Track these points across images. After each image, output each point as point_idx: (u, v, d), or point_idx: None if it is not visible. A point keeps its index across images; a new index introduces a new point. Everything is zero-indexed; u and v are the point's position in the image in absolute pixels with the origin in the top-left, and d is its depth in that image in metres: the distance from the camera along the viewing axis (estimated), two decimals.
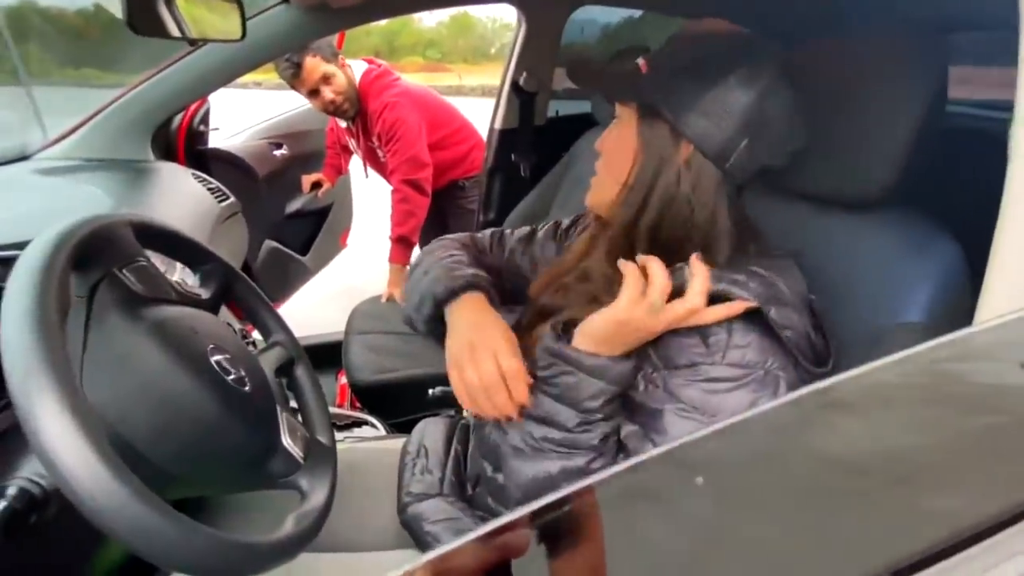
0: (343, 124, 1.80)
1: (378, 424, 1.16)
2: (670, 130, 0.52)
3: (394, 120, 1.61)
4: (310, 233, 2.09)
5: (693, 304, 0.47)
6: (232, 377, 0.52)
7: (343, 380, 1.53)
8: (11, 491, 0.43)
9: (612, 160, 0.57)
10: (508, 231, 0.78)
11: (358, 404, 1.35)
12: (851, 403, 0.35)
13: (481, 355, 0.53)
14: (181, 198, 1.16)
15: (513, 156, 1.56)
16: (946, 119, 0.57)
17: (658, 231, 0.54)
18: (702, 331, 0.49)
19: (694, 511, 0.30)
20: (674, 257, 0.53)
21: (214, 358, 0.52)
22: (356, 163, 2.03)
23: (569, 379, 0.51)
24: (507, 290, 0.71)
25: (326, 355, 1.63)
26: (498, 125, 1.53)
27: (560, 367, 0.51)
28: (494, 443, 0.64)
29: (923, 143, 0.55)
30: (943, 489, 0.34)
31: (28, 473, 0.44)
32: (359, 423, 1.21)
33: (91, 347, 0.45)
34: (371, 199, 2.50)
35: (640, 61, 0.54)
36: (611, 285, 0.62)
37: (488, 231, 0.79)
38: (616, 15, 1.70)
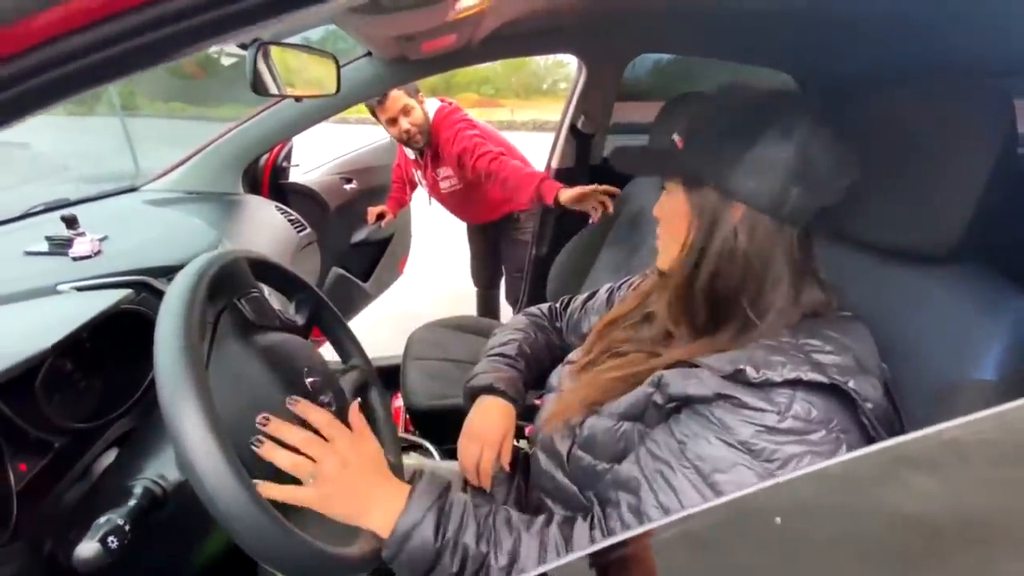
0: (411, 156, 1.93)
1: (432, 449, 1.21)
2: (719, 194, 0.54)
3: (466, 137, 1.74)
4: (372, 261, 2.21)
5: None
6: (322, 398, 0.58)
7: (397, 403, 1.59)
8: (138, 490, 0.49)
9: (670, 225, 0.60)
10: (576, 297, 0.97)
11: (411, 428, 1.40)
12: (924, 460, 0.35)
13: (473, 442, 0.74)
14: (267, 228, 1.28)
15: None
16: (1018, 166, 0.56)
17: (716, 283, 0.56)
18: (766, 393, 0.48)
19: (757, 562, 0.32)
20: (732, 306, 0.56)
21: (308, 380, 0.58)
22: (417, 197, 2.16)
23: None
24: (566, 345, 0.92)
25: (380, 377, 1.70)
26: (555, 164, 1.59)
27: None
28: (548, 472, 0.67)
29: (994, 194, 0.54)
30: (1022, 553, 0.34)
31: (151, 475, 0.51)
32: (414, 447, 1.26)
33: (212, 365, 0.52)
34: (427, 232, 2.62)
35: (675, 138, 0.57)
36: (667, 332, 0.66)
37: (561, 300, 1.00)
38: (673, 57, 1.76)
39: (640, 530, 0.29)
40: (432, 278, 3.27)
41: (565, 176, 1.60)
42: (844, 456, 0.32)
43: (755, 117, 0.53)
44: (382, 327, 2.58)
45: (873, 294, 0.62)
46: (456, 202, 1.95)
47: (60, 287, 0.69)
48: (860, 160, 0.54)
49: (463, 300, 2.56)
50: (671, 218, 0.60)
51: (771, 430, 0.47)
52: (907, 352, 0.57)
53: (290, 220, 1.44)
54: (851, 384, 0.47)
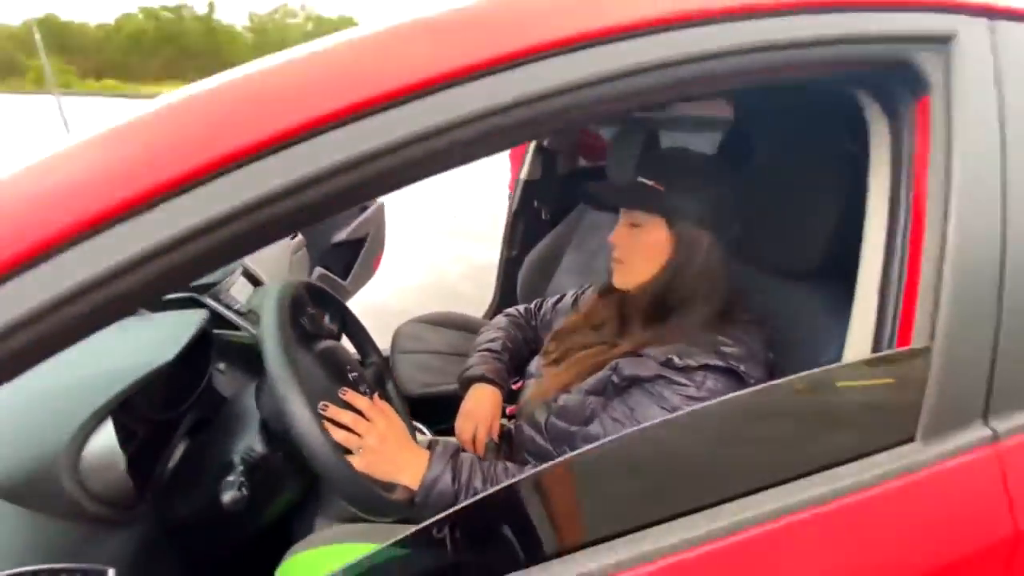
0: None
1: (425, 431, 1.39)
2: (693, 226, 0.74)
3: None
4: (349, 260, 2.34)
5: None
6: (361, 388, 0.76)
7: None
8: (237, 460, 0.66)
9: (645, 251, 0.76)
10: (547, 300, 1.14)
11: None
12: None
13: (468, 421, 0.90)
14: None
15: (535, 203, 1.82)
16: None
17: (683, 296, 0.76)
18: (688, 375, 0.70)
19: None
20: (680, 311, 0.76)
21: (351, 375, 0.76)
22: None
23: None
24: (540, 340, 1.07)
25: None
26: (523, 177, 1.79)
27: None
28: (530, 437, 0.87)
29: (846, 223, 0.71)
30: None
31: (242, 450, 0.68)
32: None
33: None
34: (397, 230, 2.77)
35: (648, 182, 0.75)
36: (618, 330, 0.86)
37: (535, 302, 1.16)
38: None
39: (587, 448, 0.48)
40: (403, 275, 3.42)
41: (535, 187, 1.80)
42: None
43: (714, 168, 0.76)
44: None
45: (766, 302, 0.84)
46: None
47: None
48: (757, 197, 0.76)
49: (430, 292, 2.73)
50: (646, 245, 0.76)
51: (691, 399, 0.68)
52: (788, 345, 0.80)
53: None
54: (742, 368, 0.69)
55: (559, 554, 0.43)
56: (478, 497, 0.46)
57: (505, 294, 1.97)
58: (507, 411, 1.07)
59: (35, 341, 0.32)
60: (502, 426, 1.02)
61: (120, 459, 0.58)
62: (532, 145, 1.74)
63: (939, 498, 0.48)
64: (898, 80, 0.50)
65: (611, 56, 0.41)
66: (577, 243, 1.69)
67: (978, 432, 0.49)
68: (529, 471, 0.75)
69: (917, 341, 0.47)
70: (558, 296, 1.17)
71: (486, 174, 2.20)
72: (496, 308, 1.96)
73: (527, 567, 0.42)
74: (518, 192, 1.81)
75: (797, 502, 0.44)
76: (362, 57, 0.41)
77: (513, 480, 0.46)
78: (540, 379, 0.92)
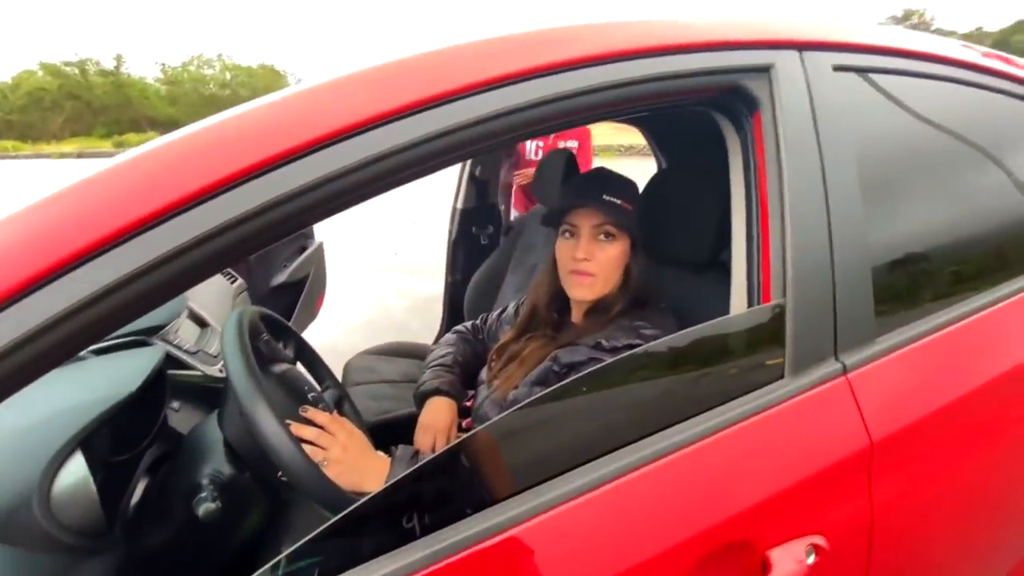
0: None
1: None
2: (635, 235, 0.89)
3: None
4: (291, 302, 2.33)
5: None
6: (321, 406, 0.81)
7: None
8: (205, 481, 0.69)
9: (614, 261, 0.88)
10: (491, 313, 1.24)
11: None
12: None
13: (427, 432, 0.97)
14: (210, 283, 1.42)
15: (473, 229, 1.92)
16: None
17: (616, 295, 0.89)
18: (614, 354, 0.82)
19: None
20: (610, 306, 0.89)
21: (310, 395, 0.81)
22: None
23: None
24: (488, 348, 1.16)
25: None
26: (460, 205, 1.89)
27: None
28: None
29: (725, 225, 0.90)
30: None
31: (209, 472, 0.71)
32: None
33: None
34: (338, 271, 2.78)
35: (617, 201, 0.87)
36: (554, 325, 0.97)
37: (481, 317, 1.27)
38: None
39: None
40: (346, 315, 3.40)
41: (469, 215, 1.91)
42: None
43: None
44: None
45: (672, 291, 0.97)
46: None
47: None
48: (659, 205, 0.91)
49: (377, 328, 2.74)
50: (616, 258, 0.89)
51: None
52: (692, 324, 0.93)
53: (222, 273, 1.58)
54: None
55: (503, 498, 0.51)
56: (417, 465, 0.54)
57: (453, 318, 2.04)
58: (464, 424, 1.14)
59: None
60: (459, 436, 1.08)
61: (92, 489, 0.60)
62: (465, 176, 1.86)
63: (809, 421, 0.60)
64: (739, 101, 0.65)
65: (524, 90, 0.52)
66: (515, 263, 1.80)
67: (832, 366, 0.62)
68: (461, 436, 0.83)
69: (774, 299, 0.60)
70: (501, 308, 1.27)
71: (421, 215, 2.29)
72: (445, 332, 2.03)
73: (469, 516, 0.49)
74: (456, 220, 1.91)
75: (701, 431, 0.54)
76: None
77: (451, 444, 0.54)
78: (491, 385, 1.00)
